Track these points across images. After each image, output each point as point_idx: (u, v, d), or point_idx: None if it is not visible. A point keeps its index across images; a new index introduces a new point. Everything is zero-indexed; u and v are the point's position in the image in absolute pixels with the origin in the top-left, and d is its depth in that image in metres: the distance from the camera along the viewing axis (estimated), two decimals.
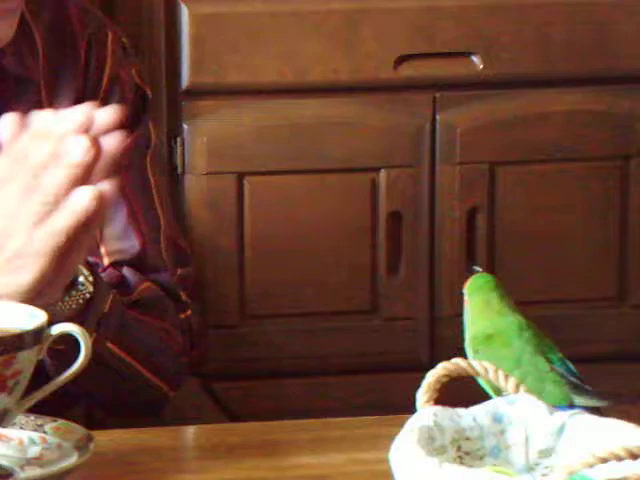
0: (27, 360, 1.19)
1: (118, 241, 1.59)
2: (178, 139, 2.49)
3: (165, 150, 2.47)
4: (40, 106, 1.54)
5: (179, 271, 1.67)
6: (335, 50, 2.52)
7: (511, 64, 2.57)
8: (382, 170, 2.56)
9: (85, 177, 1.29)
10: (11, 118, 1.33)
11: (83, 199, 1.29)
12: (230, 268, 2.51)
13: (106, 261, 1.57)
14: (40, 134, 1.31)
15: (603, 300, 2.64)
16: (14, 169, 1.31)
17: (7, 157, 1.33)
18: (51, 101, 1.57)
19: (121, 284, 1.57)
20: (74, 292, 1.39)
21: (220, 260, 2.51)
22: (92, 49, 1.62)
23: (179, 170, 2.49)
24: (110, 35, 1.65)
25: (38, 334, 1.20)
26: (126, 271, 1.58)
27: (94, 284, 1.41)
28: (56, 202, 1.29)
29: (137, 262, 1.60)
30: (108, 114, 1.31)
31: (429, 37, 2.55)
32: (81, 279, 1.39)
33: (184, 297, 1.65)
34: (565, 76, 2.59)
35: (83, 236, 1.32)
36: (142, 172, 1.65)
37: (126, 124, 1.58)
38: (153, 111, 2.42)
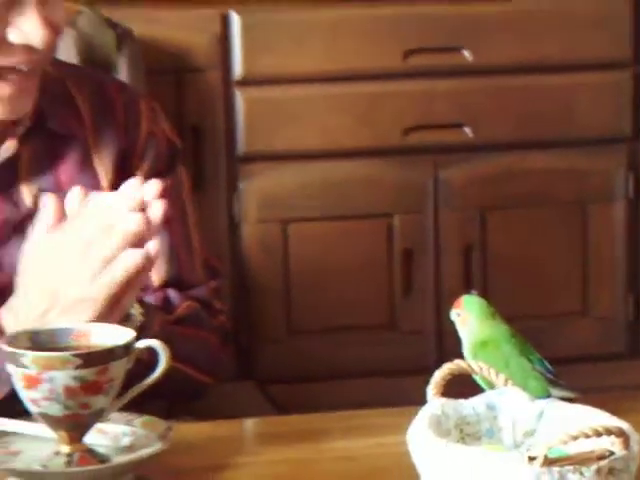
0: (119, 369, 1.17)
1: (164, 265, 1.57)
2: (235, 195, 2.48)
3: (225, 204, 2.47)
4: (89, 160, 1.54)
5: (212, 284, 1.64)
6: (359, 123, 2.53)
7: (494, 132, 2.58)
8: (396, 216, 2.55)
9: (136, 241, 1.28)
10: (76, 191, 1.33)
11: (135, 259, 1.28)
12: (279, 296, 2.52)
13: (155, 281, 1.55)
14: (100, 208, 1.31)
15: (570, 314, 2.64)
16: (76, 234, 1.30)
17: (70, 225, 1.32)
18: (99, 155, 1.55)
19: (166, 304, 1.55)
20: (128, 323, 1.37)
21: (271, 290, 2.51)
22: (129, 113, 1.58)
23: (236, 220, 2.49)
24: (143, 102, 1.62)
25: (127, 348, 1.18)
26: (170, 292, 1.56)
27: (145, 314, 1.39)
28: (111, 260, 1.28)
29: (178, 281, 1.58)
30: (152, 187, 1.30)
31: (430, 112, 2.55)
32: (133, 311, 1.37)
33: (218, 306, 1.63)
34: (537, 140, 2.60)
35: (133, 285, 1.32)
36: (182, 208, 1.62)
37: (163, 169, 1.59)
38: (215, 175, 2.45)
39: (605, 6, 2.58)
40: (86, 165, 1.53)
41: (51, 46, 1.42)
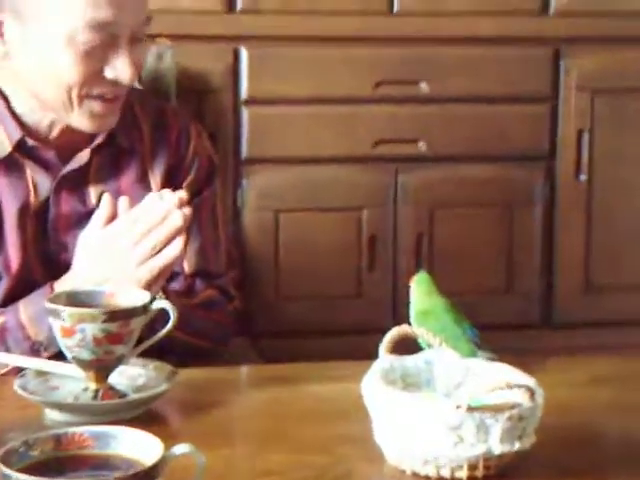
0: (137, 324, 1.16)
1: (195, 258, 1.53)
2: (239, 190, 2.46)
3: (231, 196, 2.45)
4: (145, 173, 1.49)
5: (231, 274, 1.60)
6: (338, 137, 2.51)
7: (443, 147, 2.56)
8: (364, 209, 2.54)
9: (177, 235, 1.28)
10: (124, 199, 1.33)
11: (175, 251, 1.28)
12: (271, 269, 2.49)
13: (187, 269, 1.52)
14: (148, 207, 1.30)
15: (496, 291, 2.63)
16: (126, 229, 1.30)
17: (122, 222, 1.31)
18: (152, 169, 1.50)
19: (190, 290, 1.51)
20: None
21: (264, 264, 2.49)
22: (182, 136, 1.54)
23: (239, 208, 2.46)
24: (193, 127, 1.57)
25: (144, 308, 1.17)
26: (197, 280, 1.52)
27: (166, 299, 1.36)
28: (156, 249, 1.28)
29: (205, 271, 1.54)
30: (182, 195, 1.30)
31: (393, 130, 2.53)
32: (157, 297, 1.34)
33: (233, 292, 1.59)
34: (476, 155, 2.58)
35: (165, 273, 1.30)
36: (214, 213, 1.58)
37: (204, 181, 1.55)
38: (224, 173, 2.43)
39: (531, 53, 2.56)
40: (142, 177, 1.49)
41: (133, 81, 1.40)
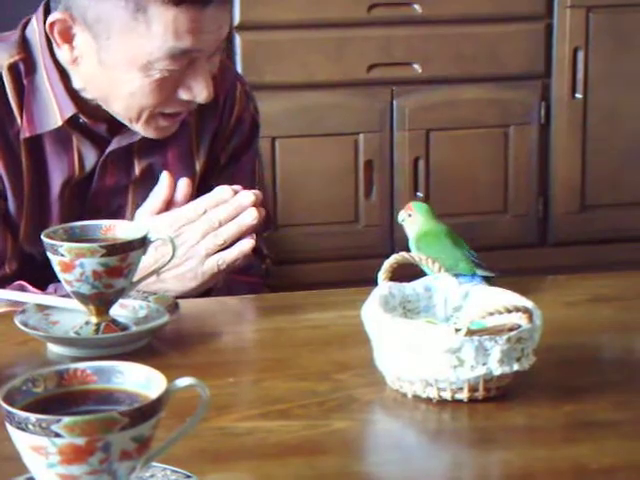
0: (136, 257, 1.15)
1: None
2: None
3: None
4: (190, 143, 1.44)
5: (265, 234, 1.56)
6: (331, 62, 2.49)
7: (437, 69, 2.55)
8: (360, 134, 2.53)
9: (247, 232, 1.27)
10: (185, 182, 1.32)
11: (247, 247, 1.27)
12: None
13: None
14: (218, 200, 1.28)
15: (494, 212, 2.63)
16: (193, 218, 1.29)
17: (188, 211, 1.30)
18: (197, 139, 1.45)
19: None
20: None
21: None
22: (227, 99, 1.47)
23: None
24: (239, 86, 1.49)
25: (142, 241, 1.16)
26: None
27: None
28: (225, 244, 1.27)
29: None
30: (258, 194, 1.29)
31: (387, 53, 2.51)
32: None
33: (266, 251, 1.55)
34: (470, 76, 2.57)
35: (233, 266, 1.30)
36: (252, 171, 1.52)
37: (244, 146, 1.50)
38: None
39: None
40: (188, 151, 1.44)
41: (210, 99, 1.32)
